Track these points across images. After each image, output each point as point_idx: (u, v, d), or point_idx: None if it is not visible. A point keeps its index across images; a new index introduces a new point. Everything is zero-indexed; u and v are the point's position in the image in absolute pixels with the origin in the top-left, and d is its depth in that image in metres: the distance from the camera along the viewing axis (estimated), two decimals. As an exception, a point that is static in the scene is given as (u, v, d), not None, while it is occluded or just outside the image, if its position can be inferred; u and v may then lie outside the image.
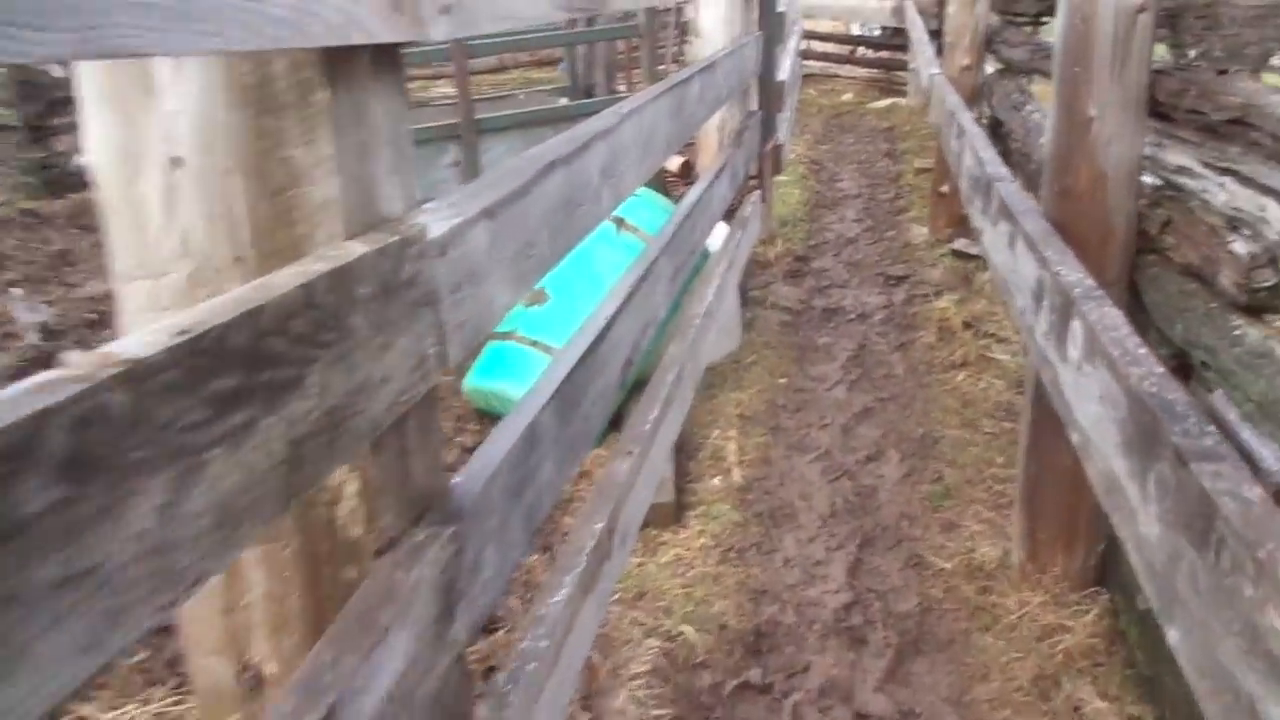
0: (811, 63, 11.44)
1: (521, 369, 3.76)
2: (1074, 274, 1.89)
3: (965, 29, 5.38)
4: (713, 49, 4.58)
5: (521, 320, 3.87)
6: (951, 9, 5.44)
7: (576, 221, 1.74)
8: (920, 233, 6.04)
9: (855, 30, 11.94)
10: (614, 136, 1.96)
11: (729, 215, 4.62)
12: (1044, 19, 4.95)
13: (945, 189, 5.69)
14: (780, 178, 7.44)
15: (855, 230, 6.41)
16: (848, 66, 11.29)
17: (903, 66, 10.20)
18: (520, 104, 4.94)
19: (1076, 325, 1.71)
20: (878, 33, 11.30)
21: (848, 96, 10.68)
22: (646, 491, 2.33)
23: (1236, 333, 1.77)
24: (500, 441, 1.46)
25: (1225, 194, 1.89)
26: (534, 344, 3.78)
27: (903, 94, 10.14)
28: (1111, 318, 1.63)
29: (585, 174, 1.78)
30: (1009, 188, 2.62)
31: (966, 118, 3.84)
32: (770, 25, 5.10)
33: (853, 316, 4.97)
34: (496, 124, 4.35)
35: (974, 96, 5.46)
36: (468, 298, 1.26)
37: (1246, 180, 1.80)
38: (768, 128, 5.24)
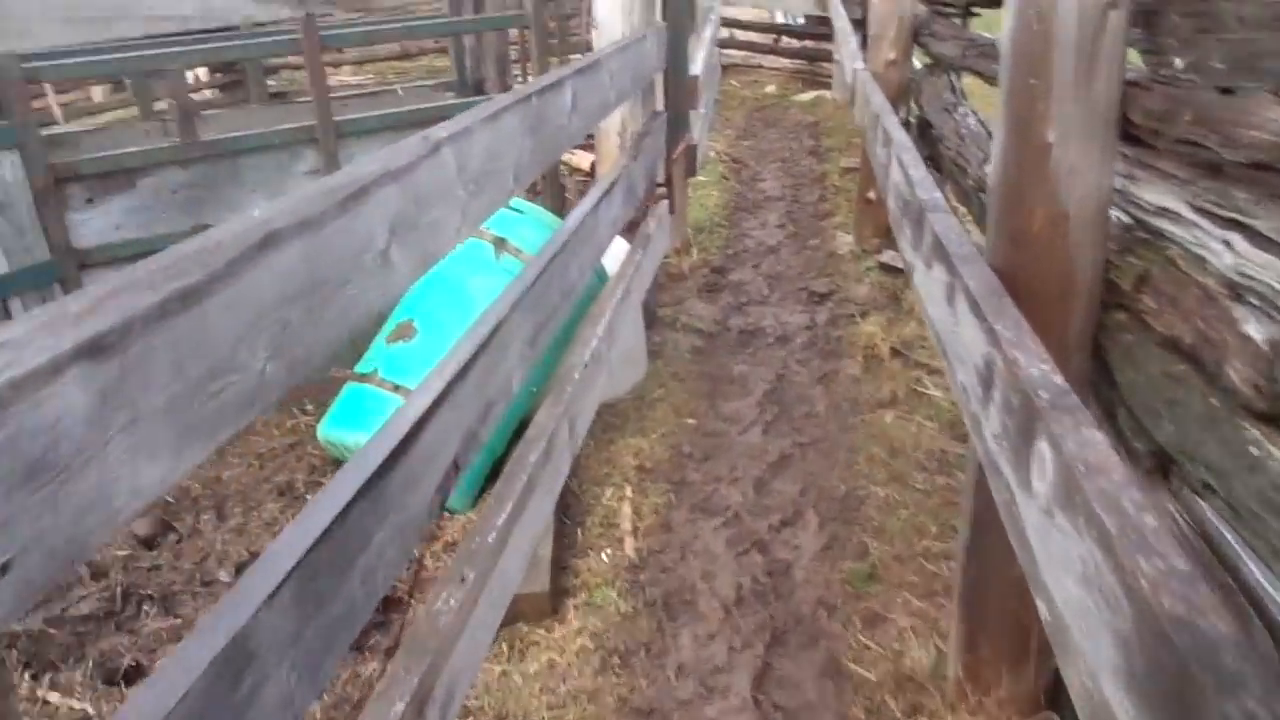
0: (733, 52, 10.97)
1: (380, 418, 3.20)
2: (1035, 363, 1.40)
3: (890, 20, 4.93)
4: (610, 40, 4.05)
5: (383, 359, 3.31)
6: (877, -1, 4.99)
7: (335, 309, 1.20)
8: (846, 241, 5.60)
9: (779, 19, 11.49)
10: (416, 176, 1.43)
11: (631, 229, 4.12)
12: (975, 10, 4.52)
13: (872, 195, 5.24)
14: (699, 177, 6.96)
15: (777, 237, 5.94)
16: (771, 57, 10.83)
17: (828, 57, 9.77)
18: (400, 102, 4.34)
19: (1044, 450, 1.23)
20: (801, 21, 10.86)
21: (771, 88, 10.22)
22: (487, 628, 1.80)
23: (1254, 452, 1.31)
24: (168, 681, 0.92)
25: (1231, 255, 1.42)
26: (396, 389, 3.21)
27: (828, 86, 9.72)
28: (1097, 450, 1.14)
29: (356, 237, 1.24)
30: (945, 223, 2.14)
31: (893, 122, 3.37)
32: (679, 14, 4.58)
33: (772, 340, 4.49)
34: (361, 126, 3.75)
35: (901, 94, 5.02)
36: (34, 507, 0.72)
37: (1265, 241, 1.33)
38: (677, 128, 4.73)
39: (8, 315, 3.21)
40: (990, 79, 3.29)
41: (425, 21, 4.19)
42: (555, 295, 2.30)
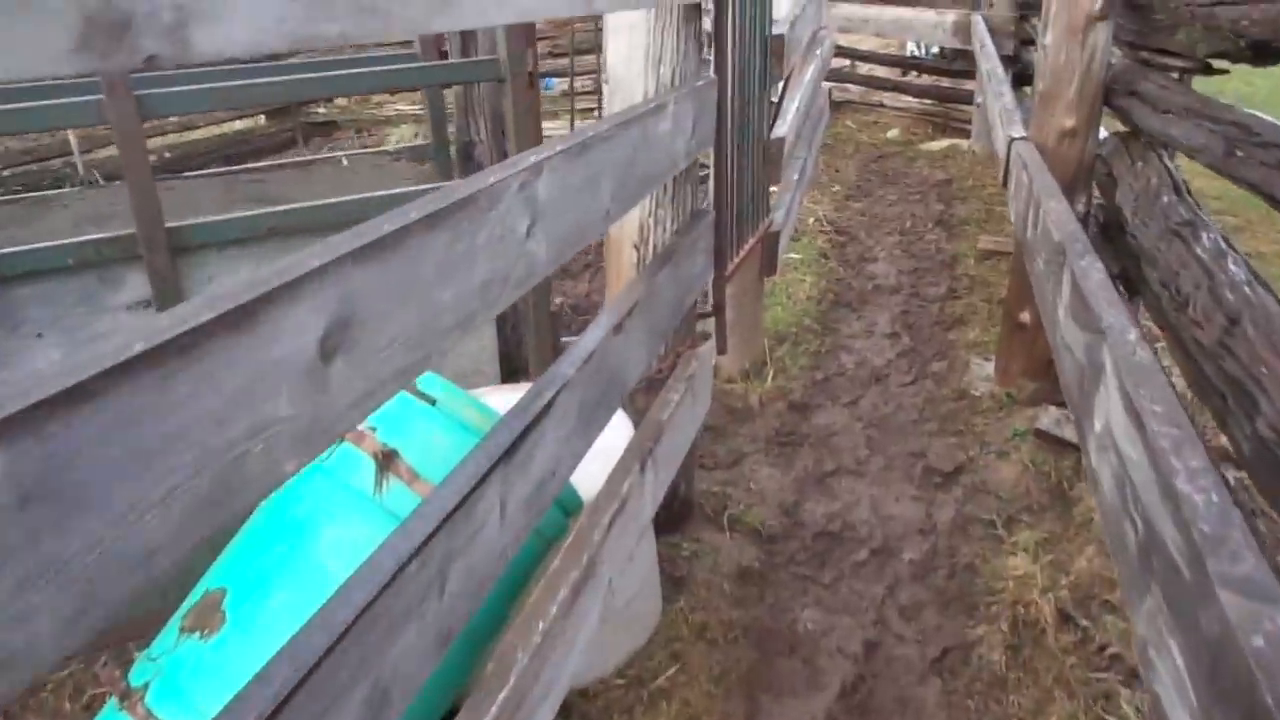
0: (852, 87, 9.36)
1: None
2: None
3: (1071, 72, 3.31)
4: (628, 102, 2.61)
5: (168, 661, 1.91)
6: (1049, 38, 3.37)
7: None
8: (983, 373, 3.98)
9: (909, 50, 9.82)
10: None
11: (650, 391, 2.69)
12: (1215, 65, 2.87)
13: (1025, 319, 3.64)
14: (791, 255, 5.44)
15: (887, 354, 4.36)
16: (895, 95, 9.15)
17: (966, 99, 8.08)
18: (339, 181, 2.98)
19: None
20: (935, 53, 9.19)
21: (894, 133, 8.56)
22: None
23: None
24: None
25: None
26: (165, 733, 1.81)
27: (964, 133, 8.02)
28: None
29: None
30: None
31: (1102, 289, 1.80)
32: (747, 57, 3.10)
33: (864, 555, 2.95)
34: (220, 234, 2.37)
35: (1079, 179, 3.41)
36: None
37: None
38: (740, 225, 3.26)
39: None
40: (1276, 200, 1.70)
41: (396, 66, 2.79)
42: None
